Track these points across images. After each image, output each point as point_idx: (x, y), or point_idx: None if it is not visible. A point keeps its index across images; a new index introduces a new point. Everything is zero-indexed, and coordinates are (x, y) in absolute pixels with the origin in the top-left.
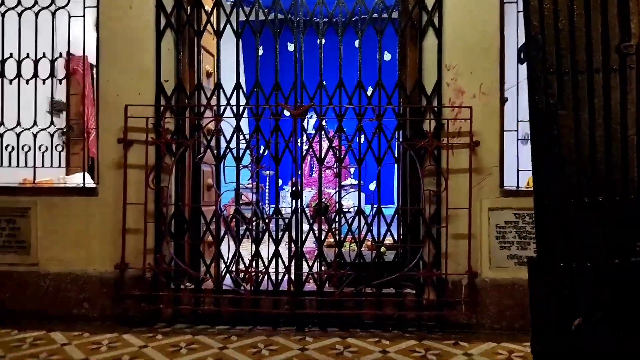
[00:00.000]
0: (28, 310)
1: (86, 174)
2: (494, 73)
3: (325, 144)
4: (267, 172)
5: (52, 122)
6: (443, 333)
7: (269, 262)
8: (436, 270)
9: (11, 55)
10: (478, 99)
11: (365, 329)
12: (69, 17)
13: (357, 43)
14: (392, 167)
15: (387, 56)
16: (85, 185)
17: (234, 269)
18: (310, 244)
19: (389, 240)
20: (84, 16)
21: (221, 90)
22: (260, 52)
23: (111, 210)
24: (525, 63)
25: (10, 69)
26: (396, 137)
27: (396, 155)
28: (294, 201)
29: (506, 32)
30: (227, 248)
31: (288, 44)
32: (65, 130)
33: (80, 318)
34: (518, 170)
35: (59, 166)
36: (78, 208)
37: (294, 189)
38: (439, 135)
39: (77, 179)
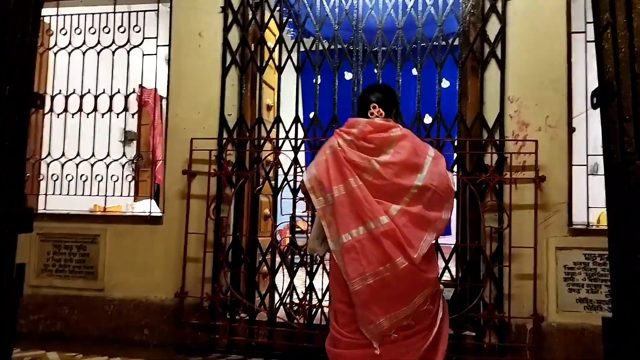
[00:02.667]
0: (93, 335)
1: (152, 201)
2: (561, 105)
3: None
4: None
5: (124, 153)
6: None
7: (323, 296)
8: (498, 312)
9: (89, 91)
10: (544, 132)
11: None
12: (143, 55)
13: (414, 71)
14: None
15: (445, 83)
16: (152, 214)
17: (288, 300)
18: None
19: (446, 277)
20: (156, 54)
21: (280, 124)
22: (319, 81)
23: (174, 239)
24: (599, 109)
25: (87, 103)
26: (455, 170)
27: (454, 189)
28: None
29: (574, 61)
30: (282, 279)
31: (345, 73)
32: (135, 159)
33: (141, 344)
34: (588, 207)
35: (128, 195)
36: (144, 236)
37: None
38: (501, 169)
39: (144, 206)
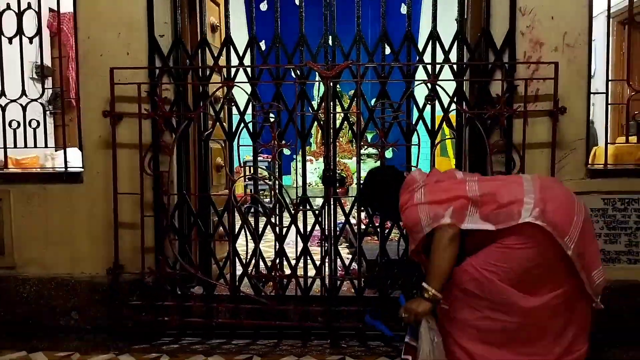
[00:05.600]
0: (8, 321)
1: (77, 151)
2: (582, 19)
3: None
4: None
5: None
6: None
7: (296, 263)
8: None
9: None
10: (561, 53)
11: None
12: None
13: None
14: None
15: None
16: (68, 170)
17: (253, 271)
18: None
19: None
20: None
21: (231, 47)
22: (265, 8)
23: (101, 201)
24: None
25: None
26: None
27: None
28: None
29: None
30: (244, 245)
31: None
32: (50, 99)
33: (70, 330)
34: (607, 144)
35: (45, 146)
36: (60, 198)
37: (327, 173)
38: (511, 100)
39: (70, 156)
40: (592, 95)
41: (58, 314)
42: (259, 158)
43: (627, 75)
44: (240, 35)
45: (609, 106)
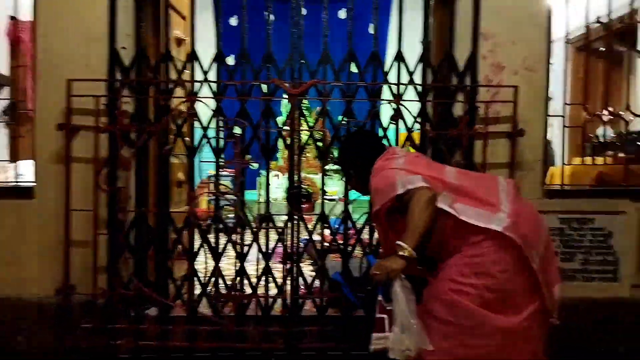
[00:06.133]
0: None
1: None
2: (541, 44)
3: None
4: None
5: None
6: None
7: (257, 282)
8: None
9: None
10: (520, 76)
11: None
12: None
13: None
14: None
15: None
16: (18, 184)
17: (213, 291)
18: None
19: None
20: None
21: (196, 62)
22: (234, 23)
23: (53, 218)
24: None
25: None
26: (418, 123)
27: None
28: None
29: None
30: (204, 264)
31: (265, 13)
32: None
33: (18, 354)
34: (563, 164)
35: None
36: (9, 214)
37: (292, 190)
38: (473, 122)
39: (24, 169)
40: (550, 117)
41: (5, 337)
42: (224, 173)
43: (584, 100)
44: (209, 49)
45: (566, 128)
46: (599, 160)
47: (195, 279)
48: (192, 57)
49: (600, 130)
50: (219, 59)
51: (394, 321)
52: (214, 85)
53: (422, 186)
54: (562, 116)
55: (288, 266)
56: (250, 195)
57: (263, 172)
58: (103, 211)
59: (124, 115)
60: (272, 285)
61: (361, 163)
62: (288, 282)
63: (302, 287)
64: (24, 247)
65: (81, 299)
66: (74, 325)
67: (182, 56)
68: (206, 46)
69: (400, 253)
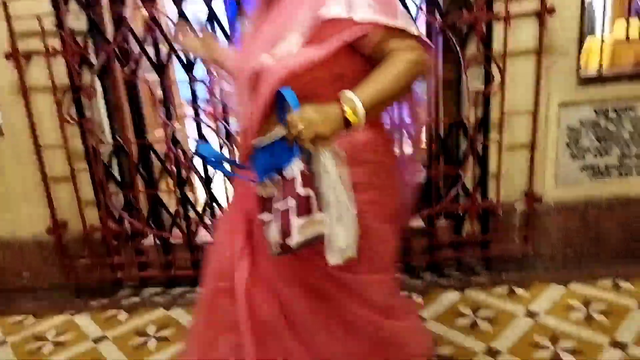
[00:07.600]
0: None
1: None
2: None
3: None
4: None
5: None
6: (490, 275)
7: None
8: (482, 197)
9: None
10: None
11: None
12: None
13: None
14: None
15: None
16: None
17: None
18: None
19: None
20: None
21: None
22: None
23: (27, 155)
24: None
25: None
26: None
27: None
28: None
29: None
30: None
31: None
32: None
33: (25, 290)
34: (602, 42)
35: None
36: None
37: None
38: (491, 3)
39: None
40: None
41: (8, 276)
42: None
43: None
44: None
45: None
46: None
47: (190, 207)
48: None
49: None
50: None
51: (321, 208)
52: None
53: (419, 36)
54: None
55: None
56: None
57: None
58: (77, 143)
59: (73, 35)
60: None
61: None
62: None
63: None
64: (7, 188)
65: (77, 235)
66: (73, 262)
67: None
68: None
69: (346, 110)
